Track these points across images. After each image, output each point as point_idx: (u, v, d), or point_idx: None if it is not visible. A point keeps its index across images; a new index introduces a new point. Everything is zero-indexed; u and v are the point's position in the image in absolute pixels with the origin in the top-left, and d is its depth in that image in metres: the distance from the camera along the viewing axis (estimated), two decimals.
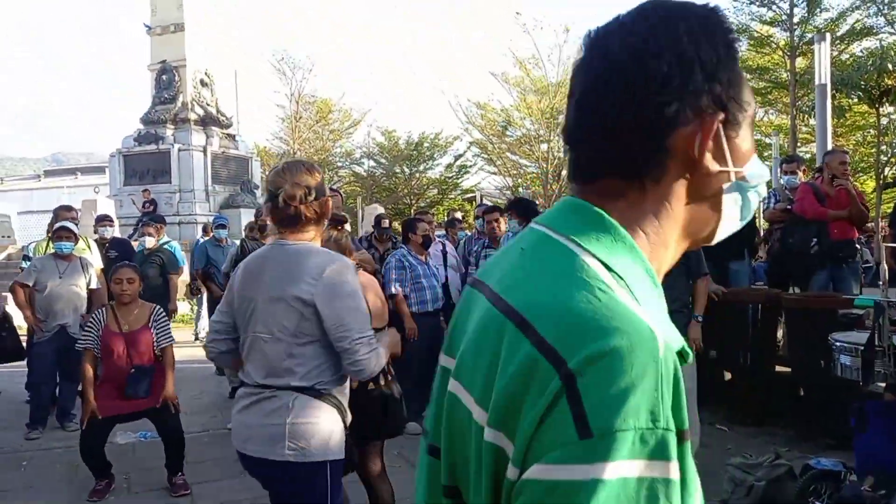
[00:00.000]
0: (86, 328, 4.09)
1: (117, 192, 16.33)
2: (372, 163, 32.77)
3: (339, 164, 32.70)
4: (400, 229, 6.78)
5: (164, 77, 16.58)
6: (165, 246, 7.14)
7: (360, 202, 29.47)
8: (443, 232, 8.04)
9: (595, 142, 0.70)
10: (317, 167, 2.25)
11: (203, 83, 16.92)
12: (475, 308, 0.73)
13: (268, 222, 5.81)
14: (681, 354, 0.66)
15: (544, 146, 24.66)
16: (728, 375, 5.59)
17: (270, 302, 2.07)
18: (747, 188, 0.73)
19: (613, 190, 0.70)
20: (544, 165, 24.62)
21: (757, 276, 6.82)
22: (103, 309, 4.18)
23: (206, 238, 7.94)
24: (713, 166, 0.69)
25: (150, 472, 4.31)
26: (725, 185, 0.71)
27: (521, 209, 5.55)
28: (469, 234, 8.08)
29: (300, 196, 2.06)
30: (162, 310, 4.34)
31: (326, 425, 2.07)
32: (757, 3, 15.82)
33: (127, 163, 16.41)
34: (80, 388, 5.44)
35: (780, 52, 18.00)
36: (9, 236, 16.65)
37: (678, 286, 3.98)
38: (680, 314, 4.12)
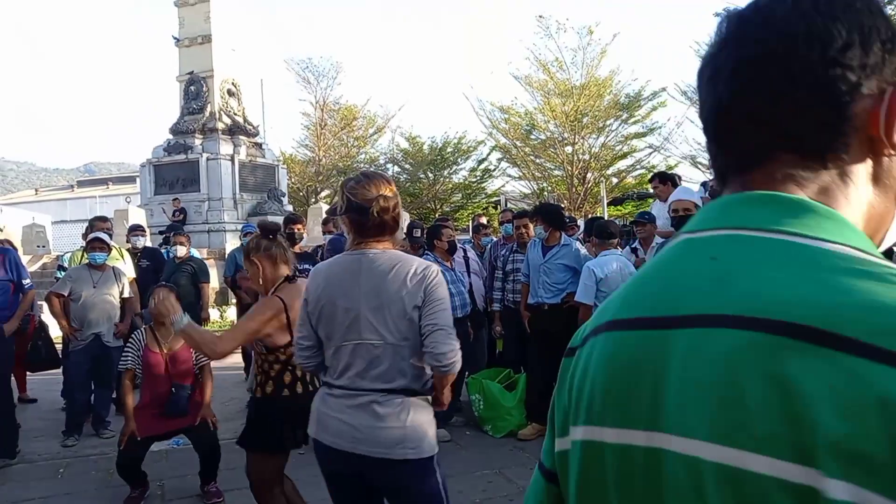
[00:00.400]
0: (126, 349, 4.16)
1: (148, 202, 16.66)
2: (396, 168, 32.94)
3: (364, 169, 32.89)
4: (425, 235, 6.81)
5: (192, 88, 16.89)
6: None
7: None
8: (468, 238, 8.01)
9: (765, 117, 0.61)
10: (390, 178, 2.40)
11: (230, 93, 17.20)
12: (672, 351, 0.57)
13: (299, 232, 5.83)
14: None
15: (569, 149, 24.53)
16: None
17: (379, 308, 2.16)
18: None
19: (791, 172, 0.61)
20: (569, 168, 24.47)
21: None
22: (143, 330, 4.23)
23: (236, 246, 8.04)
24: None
25: (183, 479, 4.38)
26: None
27: (547, 215, 5.52)
28: (494, 239, 8.06)
29: (392, 206, 2.21)
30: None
31: (431, 422, 2.23)
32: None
33: (157, 173, 16.74)
34: (114, 395, 5.58)
35: None
36: (43, 245, 17.07)
37: None
38: None
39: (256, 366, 2.99)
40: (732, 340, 0.52)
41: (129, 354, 4.10)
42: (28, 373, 6.45)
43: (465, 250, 5.93)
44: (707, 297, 0.56)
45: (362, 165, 32.35)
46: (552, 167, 26.08)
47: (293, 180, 26.52)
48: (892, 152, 0.60)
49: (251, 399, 3.10)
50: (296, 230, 5.92)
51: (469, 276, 5.67)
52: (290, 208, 18.08)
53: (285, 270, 2.96)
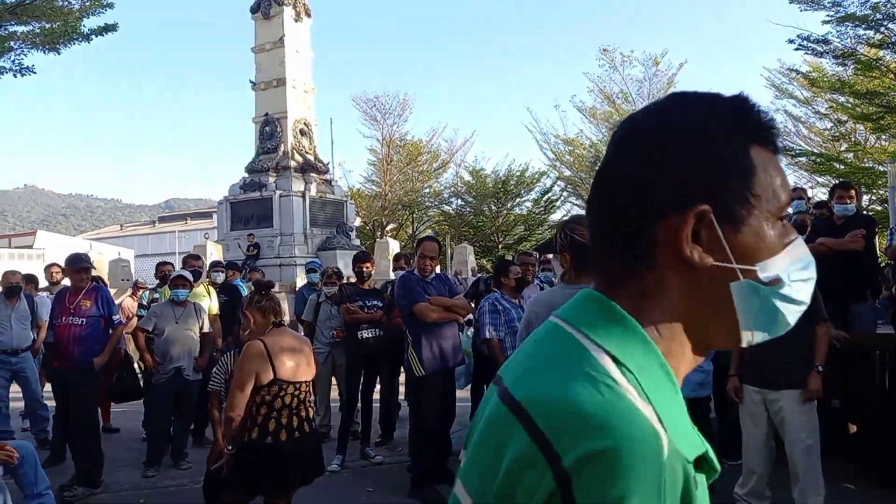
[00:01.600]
0: (214, 372, 4.28)
1: (224, 237, 17.35)
2: (460, 201, 33.22)
3: (428, 203, 33.30)
4: (487, 268, 6.80)
5: (267, 128, 17.63)
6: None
7: (449, 241, 29.79)
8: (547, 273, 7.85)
9: (598, 223, 0.72)
10: None
11: (302, 132, 17.84)
12: (489, 403, 0.70)
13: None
14: (702, 462, 0.62)
15: None
16: (853, 428, 5.14)
17: None
18: (772, 291, 0.67)
19: (617, 276, 0.70)
20: None
21: (879, 316, 6.29)
22: (231, 353, 4.35)
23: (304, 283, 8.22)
24: (704, 260, 0.66)
25: None
26: (734, 284, 0.67)
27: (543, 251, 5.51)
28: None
29: None
30: None
31: None
32: (863, 27, 14.98)
33: (233, 209, 17.44)
34: (192, 427, 5.74)
35: (892, 75, 16.91)
36: (128, 279, 17.99)
37: (796, 334, 3.72)
38: (798, 364, 3.85)
39: (246, 409, 3.16)
40: (496, 407, 0.66)
41: (217, 377, 4.20)
42: (112, 403, 6.74)
43: (542, 286, 5.86)
44: (507, 369, 0.72)
45: (427, 199, 32.81)
46: None
47: (361, 215, 27.09)
48: (696, 266, 0.66)
49: (236, 443, 3.20)
50: (364, 268, 6.02)
51: None
52: (357, 242, 18.46)
53: (272, 319, 3.33)
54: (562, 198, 30.38)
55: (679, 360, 0.69)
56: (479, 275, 14.61)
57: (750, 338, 0.70)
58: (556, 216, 31.92)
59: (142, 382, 6.26)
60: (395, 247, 18.21)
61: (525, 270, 5.75)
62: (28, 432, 6.66)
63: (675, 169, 0.66)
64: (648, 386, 0.63)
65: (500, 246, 32.44)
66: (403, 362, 4.97)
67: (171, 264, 7.31)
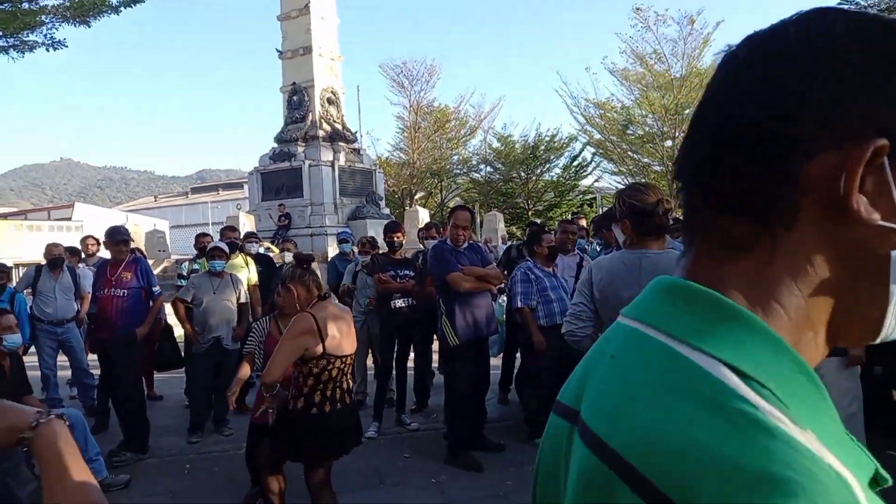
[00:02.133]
0: (250, 335, 4.37)
1: (256, 208, 17.54)
2: (488, 168, 32.97)
3: (457, 171, 33.12)
4: (517, 235, 6.75)
5: (294, 98, 17.62)
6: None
7: (478, 209, 29.66)
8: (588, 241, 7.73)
9: (706, 167, 0.53)
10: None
11: (330, 101, 17.80)
12: (572, 450, 0.54)
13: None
14: (875, 481, 0.48)
15: (668, 143, 23.59)
16: None
17: None
18: None
19: (733, 239, 0.52)
20: (669, 164, 23.53)
21: None
22: (267, 318, 4.43)
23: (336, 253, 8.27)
24: (870, 216, 0.48)
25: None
26: None
27: (604, 225, 5.42)
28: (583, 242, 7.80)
29: (670, 209, 2.60)
30: None
31: None
32: None
33: (264, 180, 17.58)
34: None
35: None
36: (164, 250, 18.36)
37: None
38: None
39: (292, 379, 3.23)
40: (587, 461, 0.50)
41: (252, 340, 4.31)
42: (154, 372, 6.93)
43: (581, 256, 5.79)
44: (591, 405, 0.54)
45: (455, 167, 32.62)
46: (651, 162, 25.21)
47: (389, 183, 27.09)
48: (858, 222, 0.48)
49: (281, 410, 3.27)
50: (395, 238, 6.02)
51: (576, 283, 5.55)
52: (387, 211, 18.50)
53: (316, 292, 3.36)
54: (592, 163, 29.90)
55: (811, 353, 0.52)
56: (509, 242, 14.55)
57: (890, 330, 0.53)
58: (587, 181, 31.54)
59: (182, 352, 6.42)
60: (424, 215, 18.20)
61: (565, 239, 5.69)
62: (75, 400, 6.91)
63: (835, 92, 0.49)
64: (794, 402, 0.46)
65: (529, 213, 32.20)
66: (437, 331, 5.00)
67: (210, 236, 7.41)
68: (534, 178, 31.57)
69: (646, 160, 24.94)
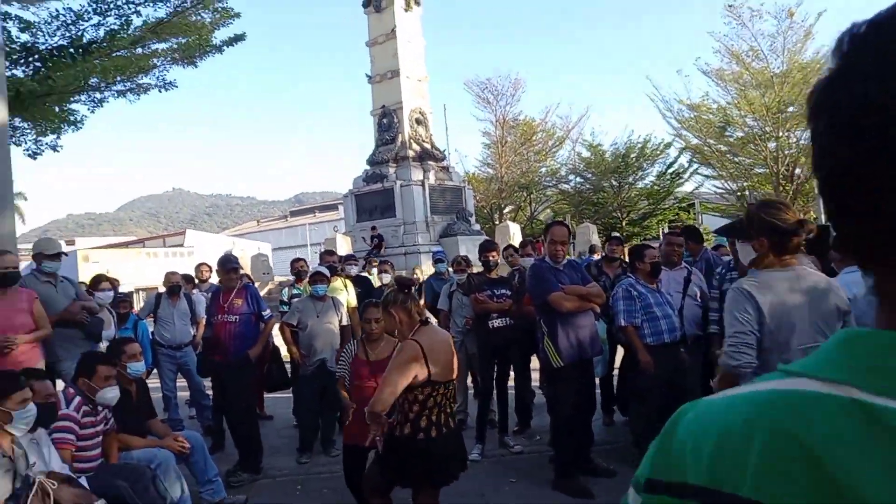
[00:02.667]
0: (340, 359, 4.48)
1: (351, 229, 18.08)
2: (578, 179, 32.40)
3: (545, 183, 32.78)
4: (607, 248, 6.51)
5: (384, 120, 18.09)
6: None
7: (570, 220, 29.19)
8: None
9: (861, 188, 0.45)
10: None
11: (418, 121, 18.14)
12: None
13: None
14: None
15: (772, 144, 22.30)
16: None
17: (824, 315, 2.58)
18: None
19: None
20: (773, 165, 22.23)
21: None
22: (354, 341, 4.54)
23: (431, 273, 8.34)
24: None
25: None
26: None
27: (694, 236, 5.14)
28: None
29: (812, 231, 2.59)
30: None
31: None
32: None
33: (358, 202, 18.11)
34: (338, 416, 6.01)
35: None
36: (267, 273, 19.23)
37: None
38: None
39: (398, 405, 3.21)
40: None
41: (342, 363, 4.43)
42: (264, 393, 7.22)
43: (689, 270, 5.54)
44: None
45: (544, 179, 32.29)
46: (753, 164, 23.90)
47: (477, 199, 27.20)
48: None
49: (387, 436, 3.27)
50: (490, 257, 5.98)
51: (683, 299, 5.30)
52: (477, 227, 18.55)
53: (418, 318, 3.35)
54: (690, 168, 28.73)
55: None
56: (586, 257, 14.15)
57: None
58: (687, 188, 30.31)
59: (289, 373, 6.64)
60: (515, 230, 18.10)
61: (671, 252, 5.46)
62: (194, 420, 7.30)
63: None
64: None
65: (623, 222, 31.35)
66: (538, 352, 4.89)
67: (304, 260, 7.67)
68: (626, 186, 30.73)
69: (748, 162, 23.69)
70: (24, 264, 7.07)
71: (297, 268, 7.38)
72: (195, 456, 4.55)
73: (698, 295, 5.36)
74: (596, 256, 12.61)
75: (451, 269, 6.86)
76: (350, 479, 4.26)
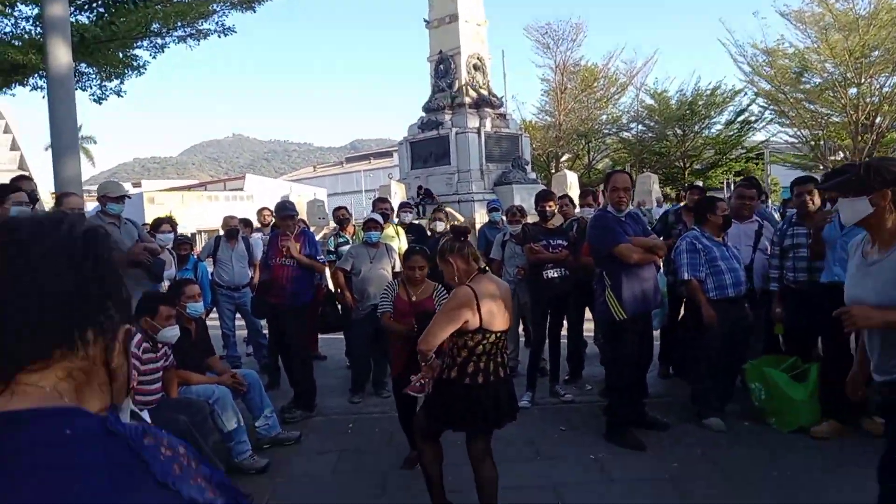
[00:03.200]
0: (384, 295, 4.54)
1: (406, 176, 18.01)
2: (641, 127, 31.31)
3: (605, 131, 31.83)
4: (688, 196, 6.21)
5: (441, 66, 17.72)
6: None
7: (630, 169, 28.35)
8: (770, 205, 7.06)
9: None
10: None
11: (475, 67, 17.69)
12: None
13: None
14: None
15: (853, 91, 20.88)
16: None
17: None
18: None
19: None
20: (853, 114, 20.86)
21: None
22: (396, 281, 4.59)
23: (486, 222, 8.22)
24: None
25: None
26: None
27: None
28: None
29: None
30: (444, 290, 4.42)
31: None
32: None
33: (413, 149, 17.98)
34: (390, 358, 6.08)
35: None
36: (323, 217, 19.50)
37: None
38: None
39: (447, 349, 3.22)
40: None
41: (385, 299, 4.50)
42: (318, 334, 7.37)
43: (760, 223, 5.27)
44: None
45: (604, 126, 31.32)
46: (829, 113, 22.50)
47: (534, 146, 26.66)
48: None
49: (436, 380, 3.28)
50: (547, 207, 5.81)
51: (754, 253, 5.05)
52: (533, 176, 18.21)
53: (475, 266, 3.30)
54: (762, 117, 27.31)
55: None
56: (665, 206, 13.73)
57: None
58: (757, 137, 28.92)
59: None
60: (572, 179, 17.70)
61: (741, 205, 5.19)
62: (251, 357, 7.55)
63: None
64: None
65: (686, 172, 30.28)
66: (595, 305, 4.75)
67: (346, 208, 7.66)
68: (691, 135, 29.54)
69: (824, 111, 22.31)
70: (93, 205, 7.31)
71: (339, 216, 7.39)
72: (251, 393, 4.68)
73: (768, 249, 5.10)
74: (660, 209, 12.26)
75: (504, 219, 6.73)
76: (405, 421, 4.31)
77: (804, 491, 3.68)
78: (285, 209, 5.79)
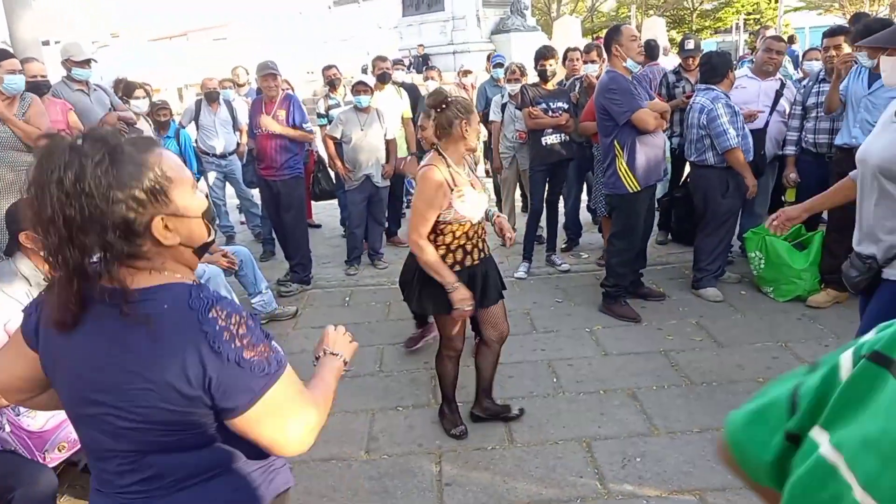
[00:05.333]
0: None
1: (397, 24, 16.90)
2: None
3: None
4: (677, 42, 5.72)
5: None
6: None
7: (635, 12, 26.76)
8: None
9: None
10: None
11: None
12: (882, 388, 0.62)
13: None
14: None
15: None
16: None
17: None
18: None
19: None
20: None
21: None
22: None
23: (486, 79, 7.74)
24: None
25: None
26: None
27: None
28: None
29: None
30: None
31: None
32: None
33: None
34: (385, 228, 5.97)
35: None
36: (311, 72, 18.57)
37: None
38: None
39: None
40: None
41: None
42: (311, 202, 7.19)
43: (782, 83, 4.90)
44: None
45: None
46: None
47: None
48: None
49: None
50: (547, 66, 5.36)
51: (770, 115, 4.75)
52: (532, 22, 17.07)
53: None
54: None
55: None
56: (669, 54, 12.89)
57: None
58: None
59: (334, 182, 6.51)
60: (575, 26, 16.64)
61: (768, 60, 4.79)
62: (244, 225, 7.45)
63: None
64: None
65: (693, 14, 28.57)
66: (606, 176, 4.46)
67: (336, 67, 7.10)
68: None
69: None
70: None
71: (330, 76, 6.88)
72: (244, 270, 4.59)
73: (787, 111, 4.80)
74: (667, 58, 11.50)
75: (503, 77, 6.27)
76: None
77: (798, 361, 3.72)
78: (266, 68, 5.31)
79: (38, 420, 2.25)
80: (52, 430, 2.29)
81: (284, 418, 1.17)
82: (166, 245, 1.13)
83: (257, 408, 1.13)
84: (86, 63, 5.17)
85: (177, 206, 1.13)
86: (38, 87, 4.58)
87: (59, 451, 2.30)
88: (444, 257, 2.88)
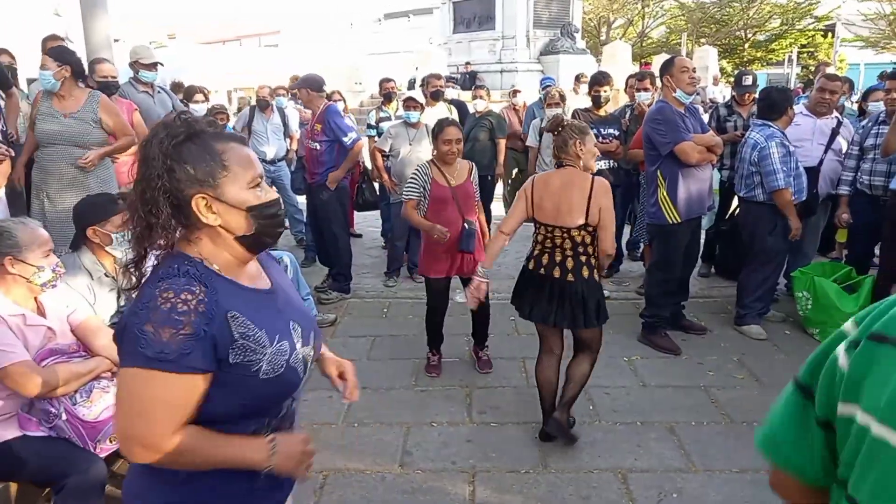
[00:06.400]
0: (411, 179, 4.04)
1: (447, 40, 17.08)
2: None
3: None
4: (728, 71, 5.66)
5: None
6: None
7: (685, 40, 26.54)
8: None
9: None
10: None
11: None
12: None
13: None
14: None
15: None
16: None
17: None
18: None
19: None
20: None
21: None
22: (427, 164, 4.06)
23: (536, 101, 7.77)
24: None
25: (455, 338, 4.58)
26: None
27: None
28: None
29: None
30: (474, 166, 4.12)
31: None
32: None
33: (456, 10, 16.89)
34: None
35: None
36: (360, 83, 18.83)
37: None
38: None
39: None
40: None
41: (415, 185, 3.99)
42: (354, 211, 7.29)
43: (838, 121, 4.83)
44: None
45: None
46: None
47: (585, 10, 24.86)
48: None
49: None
50: (602, 92, 5.38)
51: (825, 153, 4.68)
52: (582, 45, 17.08)
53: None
54: None
55: None
56: (720, 84, 12.76)
57: None
58: (831, 3, 26.41)
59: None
60: (624, 52, 16.60)
61: (822, 100, 4.72)
62: (287, 230, 7.58)
63: None
64: None
65: (746, 44, 28.23)
66: (647, 205, 4.47)
67: (394, 81, 7.23)
68: (757, 2, 27.14)
69: None
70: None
71: (387, 89, 7.02)
72: (290, 274, 4.68)
73: (842, 150, 4.71)
74: (716, 88, 11.38)
75: (543, 100, 6.29)
76: (431, 313, 4.24)
77: None
78: (306, 82, 5.33)
79: (93, 410, 2.34)
80: (105, 420, 2.37)
81: (128, 411, 1.22)
82: (207, 224, 1.27)
83: (122, 376, 1.21)
84: (153, 66, 5.37)
85: (223, 192, 1.27)
86: (108, 88, 4.77)
87: (111, 442, 2.38)
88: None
